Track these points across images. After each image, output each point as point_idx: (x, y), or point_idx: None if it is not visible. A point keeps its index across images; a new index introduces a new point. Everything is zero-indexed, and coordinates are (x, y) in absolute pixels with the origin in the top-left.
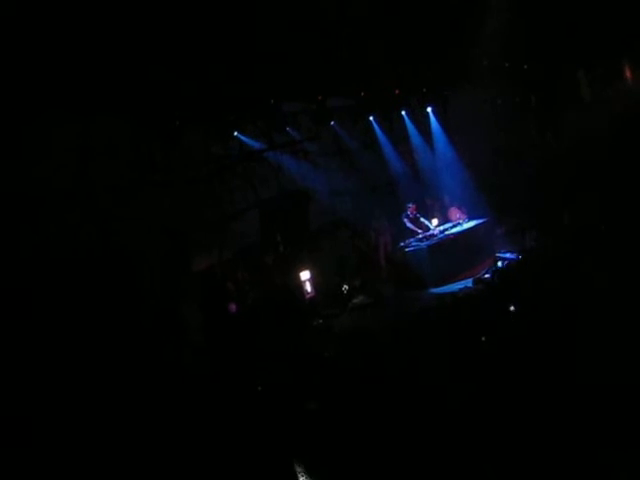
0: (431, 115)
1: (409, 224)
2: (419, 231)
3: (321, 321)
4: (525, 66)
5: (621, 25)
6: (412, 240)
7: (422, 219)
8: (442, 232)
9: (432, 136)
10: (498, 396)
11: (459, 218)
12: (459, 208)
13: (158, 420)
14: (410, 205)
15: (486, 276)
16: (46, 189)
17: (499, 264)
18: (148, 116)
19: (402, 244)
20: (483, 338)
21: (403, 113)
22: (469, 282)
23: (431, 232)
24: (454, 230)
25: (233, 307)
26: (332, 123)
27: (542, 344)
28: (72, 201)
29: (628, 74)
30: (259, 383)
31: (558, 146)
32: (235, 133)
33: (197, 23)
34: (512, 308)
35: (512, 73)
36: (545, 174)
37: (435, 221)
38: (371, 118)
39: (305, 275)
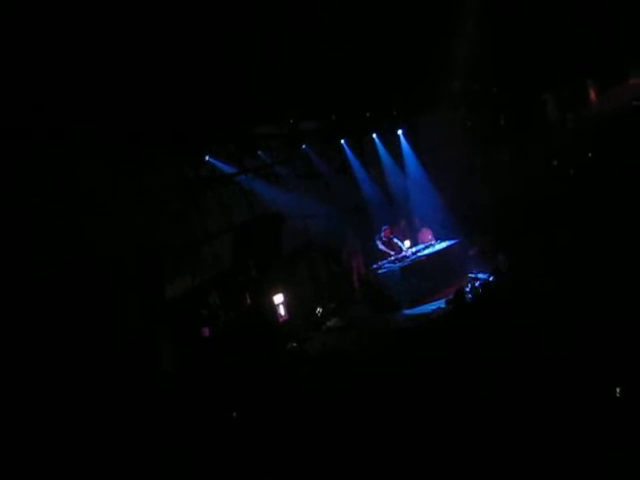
0: (402, 137)
1: (381, 246)
2: (392, 253)
3: (295, 344)
4: (494, 89)
5: (585, 48)
6: (384, 262)
7: (395, 240)
8: (414, 254)
9: (403, 158)
10: (472, 416)
11: (430, 240)
12: (430, 229)
13: (129, 446)
14: (385, 227)
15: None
16: (24, 206)
17: (471, 284)
18: (121, 137)
19: (375, 266)
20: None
21: (374, 136)
22: (442, 303)
23: (403, 254)
24: (426, 251)
25: (206, 331)
26: (304, 147)
27: (511, 362)
28: (50, 219)
29: (593, 96)
30: (234, 409)
31: (528, 166)
32: (207, 157)
33: (167, 46)
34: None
35: (481, 95)
36: (516, 194)
37: (407, 243)
38: (343, 141)
39: (278, 298)
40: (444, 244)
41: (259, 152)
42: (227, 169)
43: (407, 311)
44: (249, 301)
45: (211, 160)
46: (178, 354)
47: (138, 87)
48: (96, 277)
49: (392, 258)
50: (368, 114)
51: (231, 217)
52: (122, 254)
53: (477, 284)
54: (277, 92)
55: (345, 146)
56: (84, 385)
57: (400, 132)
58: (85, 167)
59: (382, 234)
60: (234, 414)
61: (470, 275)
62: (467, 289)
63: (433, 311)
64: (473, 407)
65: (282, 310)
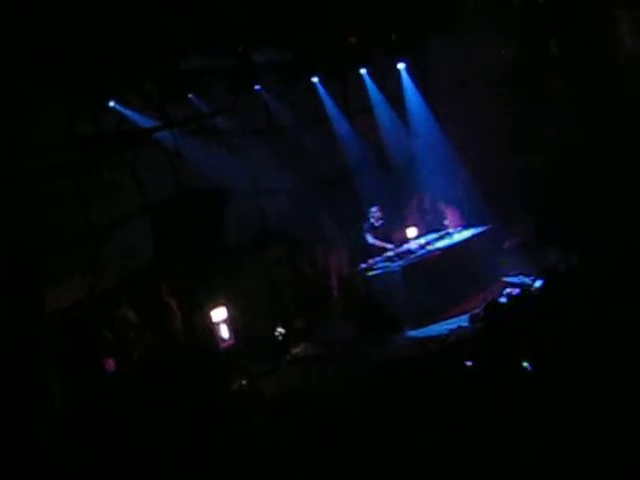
0: (404, 74)
1: (372, 240)
2: (388, 246)
3: (244, 382)
4: None
5: None
6: (378, 259)
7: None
8: (422, 247)
9: (406, 105)
10: None
11: (455, 225)
12: (456, 210)
13: None
14: (374, 210)
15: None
16: None
17: (508, 292)
18: None
19: (364, 265)
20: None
21: (363, 72)
22: (464, 320)
23: (407, 247)
24: (440, 244)
25: (111, 363)
26: (257, 88)
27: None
28: None
29: None
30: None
31: (593, 119)
32: (111, 103)
33: None
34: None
35: (523, 9)
36: (576, 157)
37: (412, 230)
38: (315, 80)
39: (220, 314)
40: (467, 233)
41: (190, 96)
42: (142, 121)
43: (412, 332)
44: (175, 318)
45: (118, 108)
46: (70, 391)
47: None
48: None
49: (390, 253)
50: (353, 39)
51: (149, 193)
52: None
53: (515, 292)
54: (218, 5)
55: (319, 87)
56: None
57: (402, 66)
58: None
59: (372, 219)
60: None
61: (506, 279)
62: (501, 300)
63: (451, 332)
64: None
65: (225, 331)
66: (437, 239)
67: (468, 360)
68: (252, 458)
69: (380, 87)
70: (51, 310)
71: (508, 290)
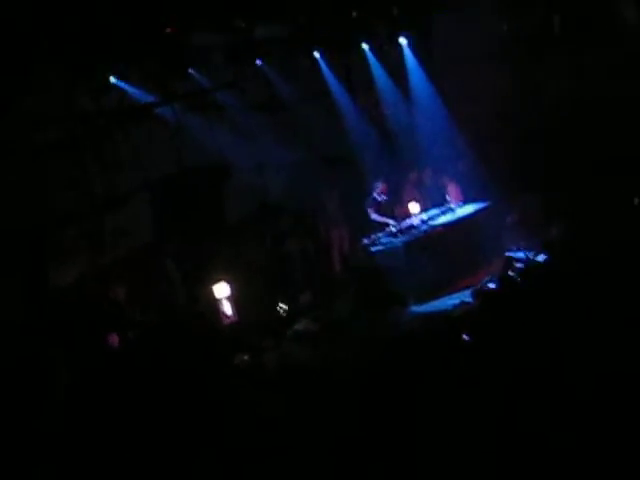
0: (406, 49)
1: (375, 215)
2: (390, 222)
3: (247, 357)
4: None
5: None
6: (381, 235)
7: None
8: (425, 222)
9: (408, 80)
10: None
11: (456, 200)
12: (457, 184)
13: None
14: (378, 185)
15: (491, 286)
16: None
17: (512, 267)
18: None
19: (366, 241)
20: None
21: (365, 47)
22: (467, 295)
23: (409, 222)
24: (443, 219)
25: (115, 339)
26: (259, 63)
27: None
28: None
29: None
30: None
31: (596, 92)
32: (112, 79)
33: None
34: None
35: None
36: (578, 133)
37: (415, 206)
38: (317, 55)
39: (222, 290)
40: (469, 208)
41: (192, 71)
42: (144, 97)
43: (415, 307)
44: (178, 294)
45: (119, 84)
46: (73, 367)
47: None
48: None
49: (392, 229)
50: (354, 13)
51: (149, 169)
52: None
53: (517, 266)
54: None
55: (321, 62)
56: None
57: (404, 41)
58: None
59: (375, 194)
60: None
61: (508, 254)
62: (507, 274)
63: (454, 307)
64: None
65: (228, 307)
66: (439, 214)
67: (466, 334)
68: (253, 432)
69: (382, 62)
70: (54, 286)
71: (511, 265)
